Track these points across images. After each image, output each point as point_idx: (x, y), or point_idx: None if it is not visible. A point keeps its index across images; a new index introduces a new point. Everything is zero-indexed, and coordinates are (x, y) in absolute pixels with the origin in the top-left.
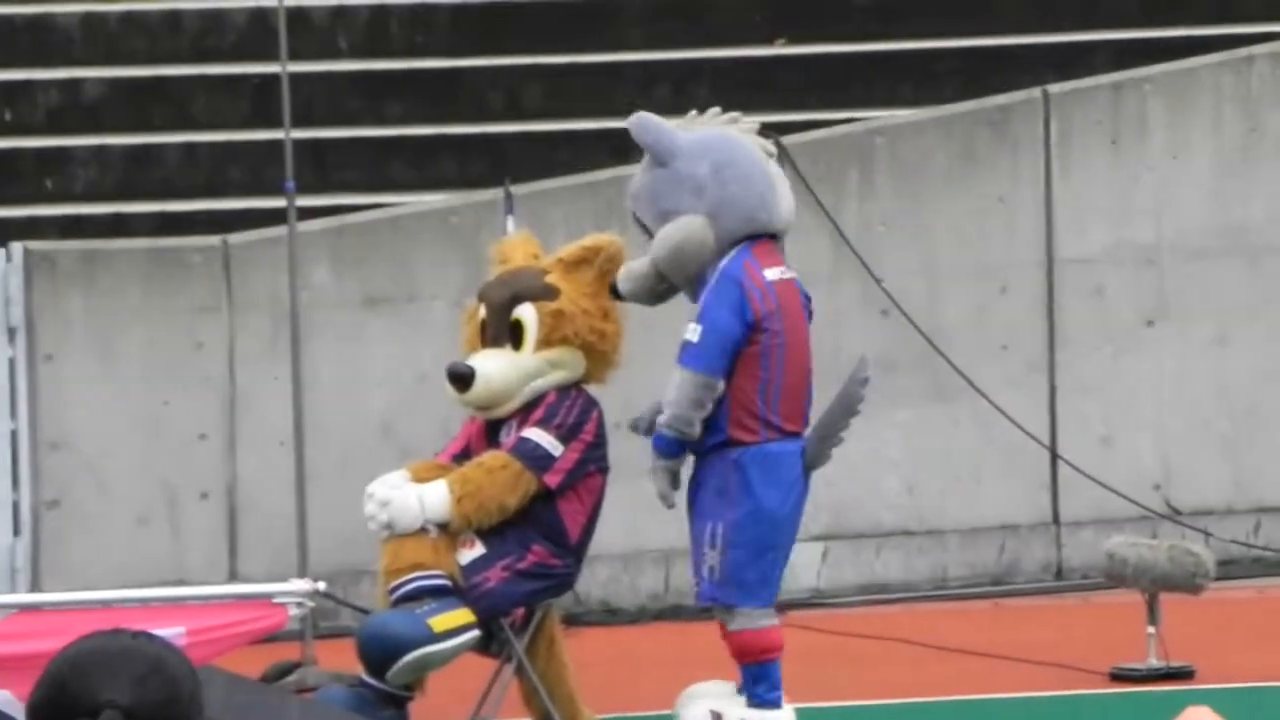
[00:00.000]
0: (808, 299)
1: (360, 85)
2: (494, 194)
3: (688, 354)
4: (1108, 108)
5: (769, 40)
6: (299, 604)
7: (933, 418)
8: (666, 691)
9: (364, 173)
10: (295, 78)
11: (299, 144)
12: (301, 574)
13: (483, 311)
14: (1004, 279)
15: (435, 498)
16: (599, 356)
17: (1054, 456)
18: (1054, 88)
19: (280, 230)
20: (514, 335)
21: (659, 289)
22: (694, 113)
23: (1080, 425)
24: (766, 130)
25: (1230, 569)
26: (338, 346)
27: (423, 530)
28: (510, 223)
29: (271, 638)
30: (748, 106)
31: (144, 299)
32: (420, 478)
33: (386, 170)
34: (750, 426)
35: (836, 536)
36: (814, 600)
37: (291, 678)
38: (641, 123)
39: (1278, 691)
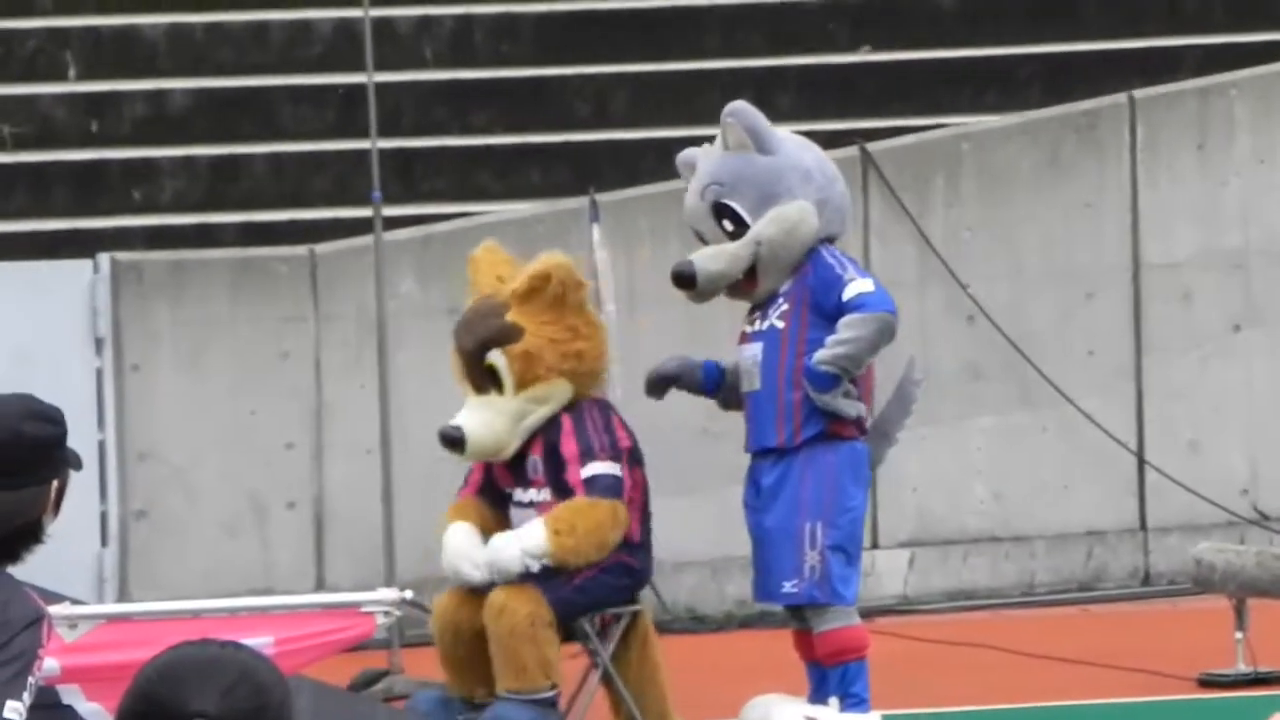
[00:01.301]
0: None
1: (446, 95)
2: (579, 203)
3: (871, 300)
4: (1194, 112)
5: (853, 47)
6: (386, 613)
7: (1019, 424)
8: (751, 699)
9: (450, 182)
10: (381, 88)
11: (385, 154)
12: (388, 583)
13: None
14: (1090, 285)
15: (534, 539)
16: (583, 375)
17: (1141, 462)
18: (1140, 93)
19: (366, 240)
20: (493, 379)
21: (739, 276)
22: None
23: (1167, 431)
24: (853, 137)
25: None
26: (424, 356)
27: (526, 569)
28: (595, 231)
29: (359, 646)
30: (832, 114)
31: (231, 309)
32: (464, 518)
33: (472, 179)
34: (849, 421)
35: (923, 543)
36: (901, 607)
37: (379, 686)
38: (746, 108)
39: None
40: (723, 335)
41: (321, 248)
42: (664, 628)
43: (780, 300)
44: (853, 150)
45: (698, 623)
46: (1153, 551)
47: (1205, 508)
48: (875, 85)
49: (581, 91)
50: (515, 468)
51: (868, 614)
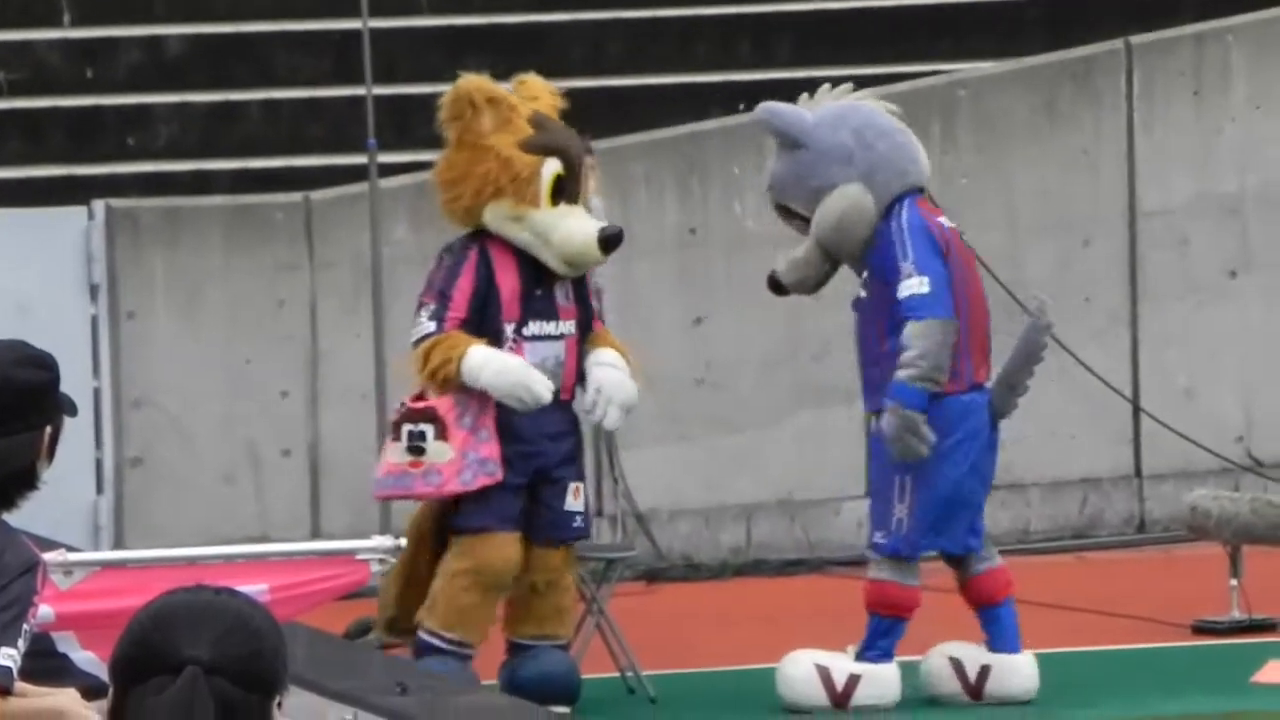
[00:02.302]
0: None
1: (441, 41)
2: None
3: (925, 304)
4: (1190, 59)
5: None
6: (381, 560)
7: None
8: (748, 647)
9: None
10: (376, 34)
11: (380, 100)
12: (383, 530)
13: (559, 167)
14: (1086, 232)
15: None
16: None
17: (1136, 409)
18: (1136, 39)
19: (362, 187)
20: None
21: (823, 271)
22: (805, 96)
23: (1163, 378)
24: (848, 81)
25: None
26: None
27: None
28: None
29: (354, 594)
30: (828, 60)
31: (226, 256)
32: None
33: None
34: (958, 371)
35: None
36: None
37: (373, 634)
38: (769, 112)
39: None
40: (717, 285)
41: (317, 195)
42: (659, 575)
43: (864, 272)
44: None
45: (693, 570)
46: (1148, 499)
47: (1200, 454)
48: (872, 31)
49: (577, 38)
50: (540, 298)
51: (862, 562)
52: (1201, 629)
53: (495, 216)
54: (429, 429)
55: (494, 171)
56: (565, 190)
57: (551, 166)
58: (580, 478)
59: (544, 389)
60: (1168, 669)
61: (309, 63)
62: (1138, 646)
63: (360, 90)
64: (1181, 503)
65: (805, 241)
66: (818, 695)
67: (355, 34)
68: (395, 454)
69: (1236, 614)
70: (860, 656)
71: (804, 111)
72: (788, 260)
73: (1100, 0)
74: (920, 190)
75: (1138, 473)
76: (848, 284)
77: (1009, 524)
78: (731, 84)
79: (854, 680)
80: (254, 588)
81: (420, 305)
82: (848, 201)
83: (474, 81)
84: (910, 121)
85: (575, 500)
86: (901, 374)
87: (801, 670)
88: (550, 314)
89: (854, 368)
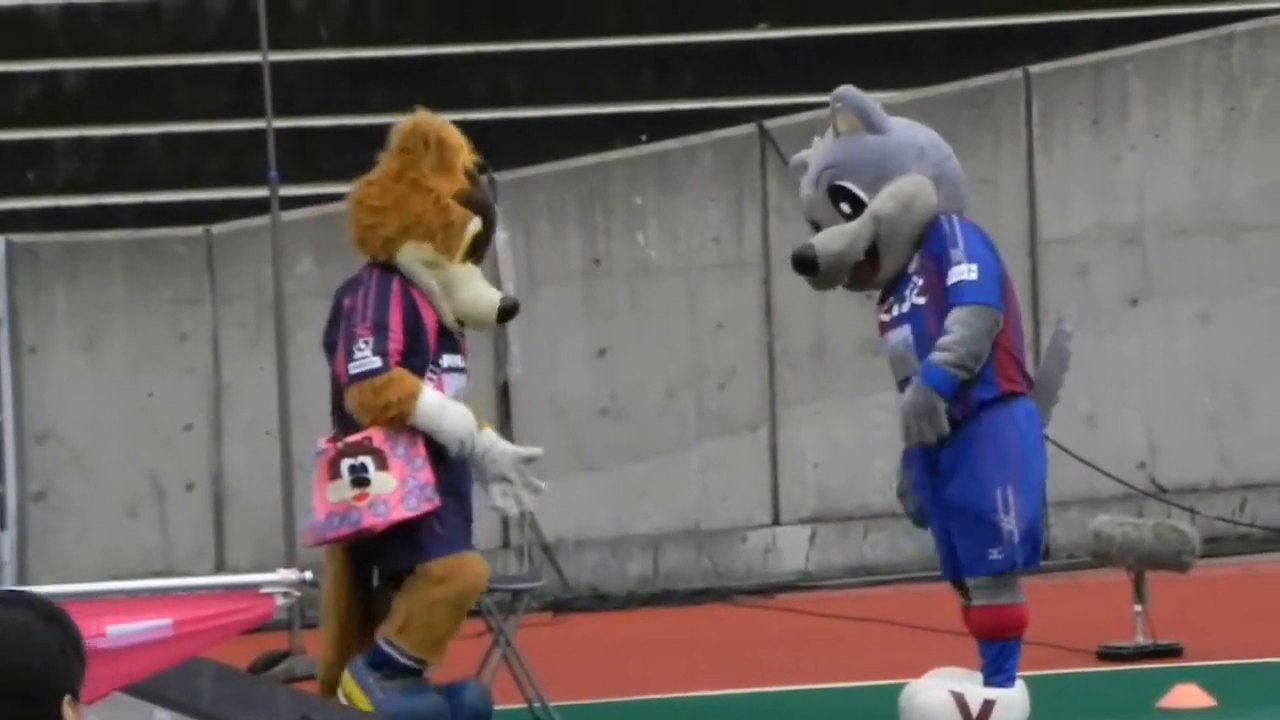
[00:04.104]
0: None
1: (342, 73)
2: None
3: (972, 290)
4: (1089, 87)
5: (750, 24)
6: (286, 594)
7: None
8: (656, 677)
9: (347, 161)
10: (276, 67)
11: (281, 133)
12: (288, 564)
13: (479, 226)
14: None
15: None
16: None
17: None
18: (1035, 68)
19: (263, 220)
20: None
21: (858, 251)
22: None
23: (1065, 405)
24: (751, 114)
25: (1216, 546)
26: (321, 336)
27: None
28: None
29: (259, 628)
30: (730, 91)
31: (127, 290)
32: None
33: (369, 158)
34: (1014, 376)
35: (824, 519)
36: (802, 583)
37: (280, 667)
38: (851, 92)
39: (1264, 668)
40: (621, 315)
41: (218, 228)
42: (566, 605)
43: (914, 278)
44: (751, 128)
45: (600, 600)
46: (1052, 525)
47: (1104, 481)
48: (773, 62)
49: (478, 69)
50: (451, 334)
51: (769, 590)
52: (1106, 655)
53: (411, 257)
54: (369, 460)
55: (429, 214)
56: (478, 251)
57: (475, 224)
58: None
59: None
60: (1073, 695)
61: (208, 95)
62: (1043, 673)
63: (260, 123)
64: (1086, 529)
65: (849, 224)
66: None
67: (255, 66)
68: (336, 492)
69: (1141, 639)
70: (989, 683)
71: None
72: (831, 233)
73: (999, 30)
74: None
75: (1042, 499)
76: (747, 308)
77: (915, 552)
78: (634, 114)
79: (989, 706)
80: (158, 622)
81: (355, 336)
82: (919, 188)
83: (433, 121)
84: None
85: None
86: (936, 355)
87: (935, 698)
88: (456, 348)
89: (759, 396)
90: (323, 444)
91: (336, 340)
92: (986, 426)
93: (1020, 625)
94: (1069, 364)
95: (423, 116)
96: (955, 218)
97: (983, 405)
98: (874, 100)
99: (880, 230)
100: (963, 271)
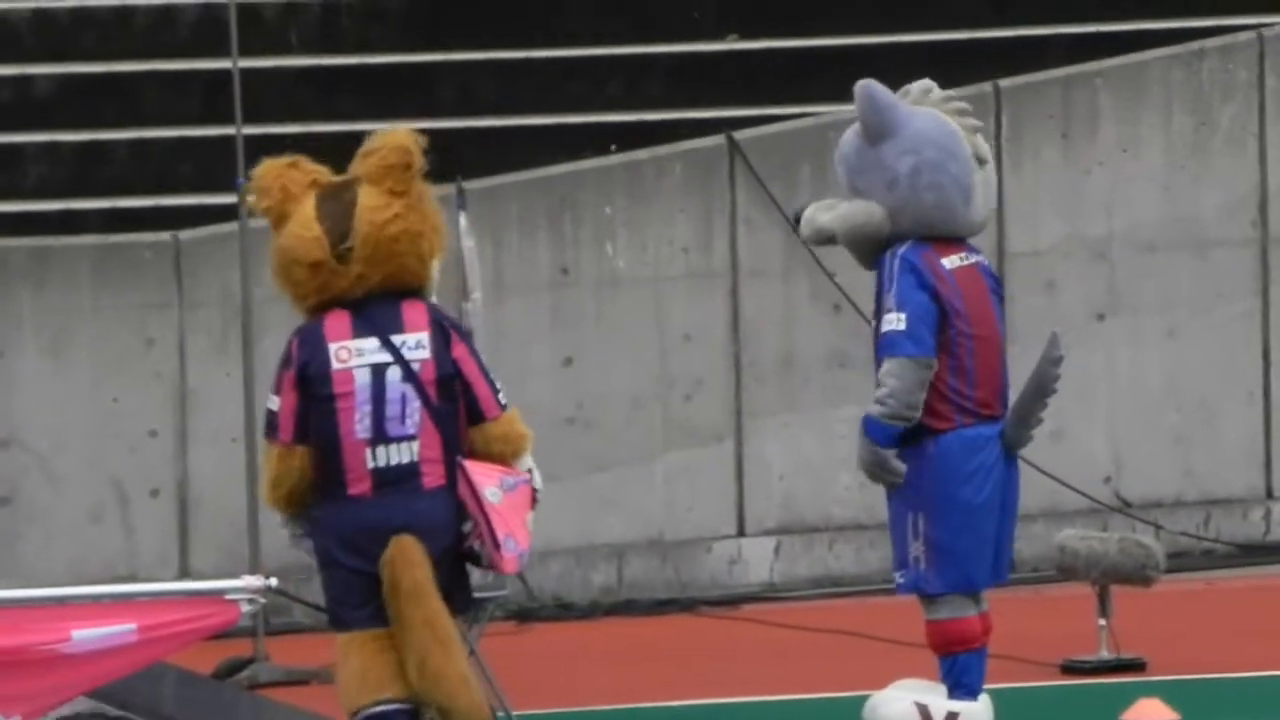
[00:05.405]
0: (995, 280)
1: (312, 81)
2: (446, 190)
3: (899, 342)
4: (1058, 102)
5: (719, 35)
6: (250, 600)
7: None
8: (620, 686)
9: None
10: (246, 73)
11: (250, 140)
12: (253, 570)
13: None
14: None
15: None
16: None
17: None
18: (1005, 82)
19: (231, 227)
20: None
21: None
22: (908, 88)
23: None
24: (720, 125)
25: (1180, 561)
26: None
27: None
28: (462, 219)
29: (223, 634)
30: (699, 102)
31: (94, 296)
32: None
33: (338, 166)
34: (944, 413)
35: (789, 531)
36: (767, 594)
37: (243, 674)
38: (868, 95)
39: (1227, 683)
40: (588, 324)
41: (186, 234)
42: (531, 615)
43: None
44: (719, 139)
45: (564, 610)
46: (1017, 538)
47: (1069, 495)
48: (742, 74)
49: (448, 78)
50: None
51: (734, 601)
52: (1070, 668)
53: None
54: None
55: (440, 230)
56: None
57: None
58: None
59: None
60: (1037, 709)
61: (178, 102)
62: (1007, 686)
63: (230, 130)
64: (1050, 543)
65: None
66: None
67: (225, 73)
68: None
69: (1105, 653)
70: (952, 696)
71: (901, 111)
72: (832, 203)
73: (970, 44)
74: (951, 239)
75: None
76: (715, 319)
77: (879, 564)
78: (603, 124)
79: (952, 718)
80: (122, 628)
81: (489, 371)
82: (866, 219)
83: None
84: (781, 162)
85: None
86: (873, 409)
87: (899, 709)
88: None
89: (725, 407)
90: (513, 475)
91: (457, 371)
92: (905, 458)
93: (966, 640)
94: (1054, 389)
95: (410, 136)
96: (901, 253)
97: (904, 437)
98: (889, 102)
99: (838, 240)
100: (891, 320)
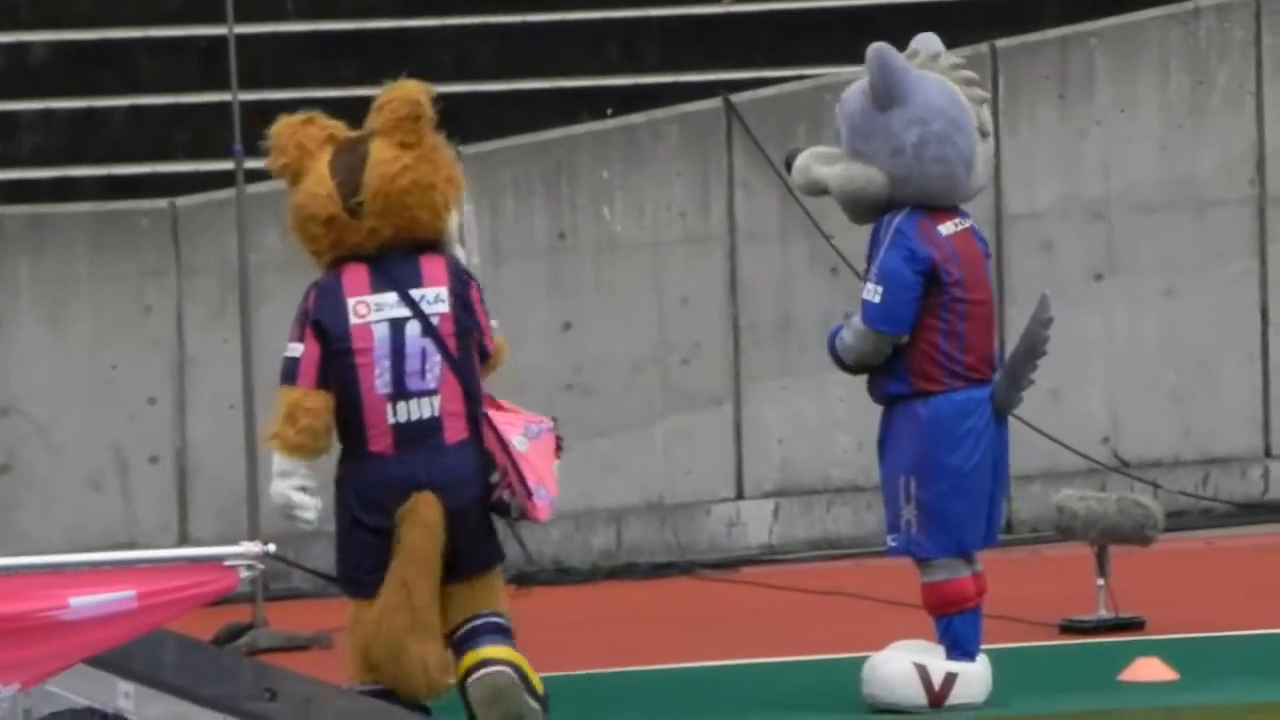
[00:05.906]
0: (985, 244)
1: (308, 46)
2: None
3: (871, 313)
4: (1055, 62)
5: None
6: (249, 566)
7: None
8: (620, 650)
9: None
10: (242, 39)
11: (247, 106)
12: (252, 537)
13: None
14: None
15: None
16: None
17: None
18: (1001, 43)
19: (229, 193)
20: None
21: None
22: (915, 48)
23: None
24: (716, 88)
25: (1179, 521)
26: (286, 309)
27: None
28: None
29: (223, 600)
30: (695, 65)
31: (91, 263)
32: None
33: None
34: (934, 376)
35: (787, 493)
36: (766, 556)
37: (243, 640)
38: (880, 60)
39: (1226, 642)
40: (586, 289)
41: (183, 201)
42: (530, 579)
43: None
44: (716, 102)
45: (563, 574)
46: (1015, 499)
47: (1067, 455)
48: (738, 36)
49: (446, 43)
50: None
51: (732, 564)
52: (1069, 628)
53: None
54: None
55: (455, 181)
56: None
57: None
58: None
59: None
60: (1035, 668)
61: (174, 68)
62: (1006, 646)
63: (226, 96)
64: (1049, 503)
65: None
66: (916, 695)
67: (221, 39)
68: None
69: (1103, 613)
70: (950, 656)
71: (910, 77)
72: (827, 152)
73: (965, 4)
74: (946, 208)
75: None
76: (712, 282)
77: (877, 526)
78: (601, 88)
79: (951, 679)
80: (121, 594)
81: (488, 314)
82: (865, 183)
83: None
84: (778, 125)
85: None
86: (842, 335)
87: (898, 670)
88: None
89: (724, 371)
90: (537, 422)
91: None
92: (896, 421)
93: (960, 601)
94: (1044, 351)
95: (419, 88)
96: (897, 223)
97: (895, 399)
98: (901, 68)
99: (835, 198)
100: (869, 291)
